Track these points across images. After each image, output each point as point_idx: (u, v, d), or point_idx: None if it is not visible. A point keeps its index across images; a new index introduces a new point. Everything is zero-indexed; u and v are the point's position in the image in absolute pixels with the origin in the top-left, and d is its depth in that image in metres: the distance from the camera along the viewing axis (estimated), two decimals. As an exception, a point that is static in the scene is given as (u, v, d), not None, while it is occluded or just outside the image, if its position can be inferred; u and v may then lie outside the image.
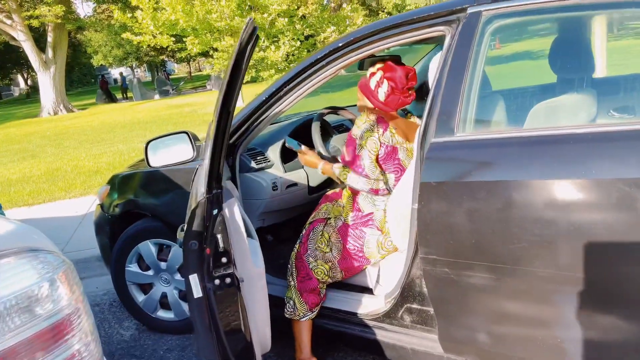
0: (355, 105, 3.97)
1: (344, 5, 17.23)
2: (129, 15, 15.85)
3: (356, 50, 2.27)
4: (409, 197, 2.21)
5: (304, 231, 2.53)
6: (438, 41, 2.83)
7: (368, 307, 2.34)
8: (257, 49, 15.35)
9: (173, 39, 16.17)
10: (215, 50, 15.52)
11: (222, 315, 1.67)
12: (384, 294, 2.31)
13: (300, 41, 15.14)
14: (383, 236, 2.35)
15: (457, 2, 1.97)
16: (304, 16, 15.40)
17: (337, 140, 2.79)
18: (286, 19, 14.34)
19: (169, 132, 2.48)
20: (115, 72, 52.65)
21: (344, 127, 3.11)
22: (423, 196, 1.88)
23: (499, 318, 1.86)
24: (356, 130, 2.34)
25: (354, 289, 2.48)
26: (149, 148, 2.44)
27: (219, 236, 1.64)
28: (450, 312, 1.97)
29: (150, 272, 3.06)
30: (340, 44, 2.29)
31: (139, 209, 3.05)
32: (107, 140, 12.39)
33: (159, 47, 22.77)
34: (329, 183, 3.00)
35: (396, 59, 2.41)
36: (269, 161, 2.80)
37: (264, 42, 15.31)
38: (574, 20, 2.08)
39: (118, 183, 3.19)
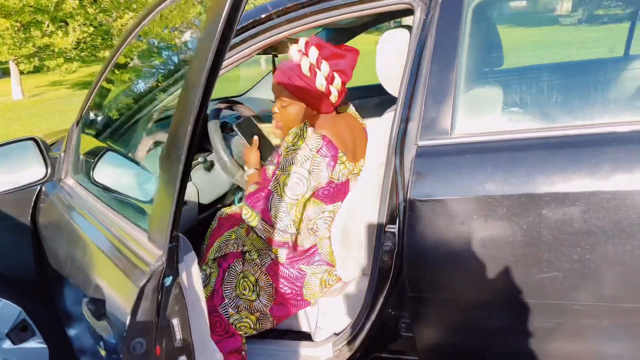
0: (243, 95, 3.33)
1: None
2: None
3: (286, 23, 1.71)
4: (367, 215, 1.74)
5: (208, 270, 1.85)
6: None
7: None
8: (39, 33, 13.36)
9: None
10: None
11: None
12: (331, 342, 1.79)
13: (94, 27, 13.48)
14: (328, 272, 1.82)
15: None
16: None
17: (237, 144, 2.16)
18: (76, 1, 12.60)
19: (6, 141, 1.62)
20: None
21: (228, 126, 2.48)
22: (414, 219, 1.42)
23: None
24: (284, 158, 1.68)
25: (284, 336, 1.92)
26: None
27: (175, 322, 0.96)
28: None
29: (-40, 342, 2.09)
30: (262, 15, 1.70)
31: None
32: None
33: None
34: (221, 198, 2.35)
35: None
36: (149, 174, 2.06)
37: (48, 26, 13.34)
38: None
39: None
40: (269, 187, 1.70)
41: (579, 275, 1.32)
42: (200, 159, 2.15)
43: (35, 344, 2.08)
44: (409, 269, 1.46)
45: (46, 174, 1.71)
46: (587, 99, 1.46)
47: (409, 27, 1.67)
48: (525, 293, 1.36)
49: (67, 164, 1.73)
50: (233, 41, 1.72)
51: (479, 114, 1.52)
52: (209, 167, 2.18)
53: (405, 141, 1.48)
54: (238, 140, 2.15)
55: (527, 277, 1.35)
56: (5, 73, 18.91)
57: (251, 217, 1.71)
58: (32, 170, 1.67)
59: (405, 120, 1.49)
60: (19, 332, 2.09)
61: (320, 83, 1.69)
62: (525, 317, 1.39)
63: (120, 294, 1.00)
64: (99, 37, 13.97)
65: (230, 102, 2.24)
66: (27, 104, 12.83)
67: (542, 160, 1.34)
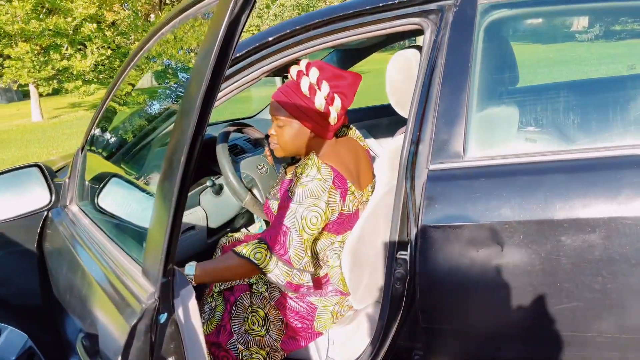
0: (252, 117, 3.31)
1: (152, 16, 16.08)
2: None
3: (295, 46, 1.68)
4: (378, 241, 1.69)
5: (213, 303, 1.77)
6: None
7: (322, 391, 1.74)
8: (58, 57, 13.59)
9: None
10: (6, 57, 13.30)
11: None
12: (342, 371, 1.73)
13: (112, 49, 13.71)
14: (339, 303, 1.75)
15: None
16: (113, 23, 14.01)
17: (246, 166, 2.13)
18: (95, 25, 12.83)
19: (10, 167, 1.61)
20: None
21: (238, 149, 2.45)
22: (426, 246, 1.37)
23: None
24: (299, 189, 1.56)
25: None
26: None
27: (170, 362, 0.91)
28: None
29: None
30: (270, 38, 1.68)
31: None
32: None
33: None
34: (230, 221, 2.31)
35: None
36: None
37: (67, 49, 13.61)
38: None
39: None
40: (285, 224, 1.55)
41: (601, 305, 1.25)
42: (208, 183, 2.11)
43: (42, 372, 2.04)
44: (421, 297, 1.40)
45: (50, 201, 1.69)
46: (607, 119, 1.40)
47: (419, 48, 1.64)
48: (543, 324, 1.29)
49: (72, 191, 1.71)
50: (240, 64, 1.70)
51: (492, 136, 1.47)
52: (218, 190, 2.15)
53: (416, 165, 1.43)
54: (246, 162, 2.12)
55: (546, 307, 1.28)
56: (25, 95, 19.28)
57: (265, 262, 1.55)
58: (36, 196, 1.65)
59: (416, 143, 1.45)
60: (25, 360, 2.06)
61: (320, 103, 1.59)
62: (544, 349, 1.32)
63: (113, 332, 0.96)
64: (117, 60, 14.21)
65: (239, 124, 2.22)
66: (46, 126, 13.01)
67: (560, 185, 1.28)
